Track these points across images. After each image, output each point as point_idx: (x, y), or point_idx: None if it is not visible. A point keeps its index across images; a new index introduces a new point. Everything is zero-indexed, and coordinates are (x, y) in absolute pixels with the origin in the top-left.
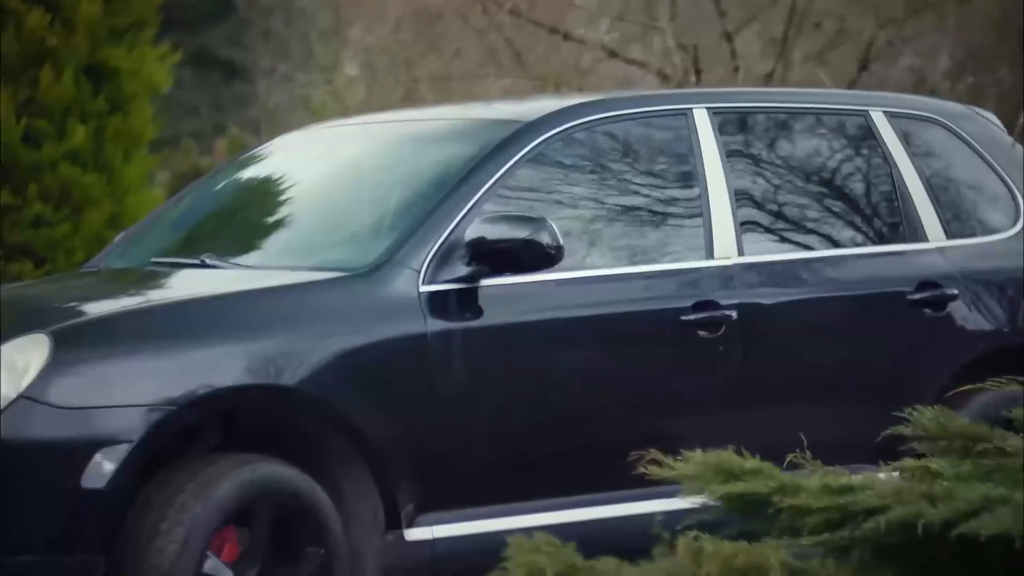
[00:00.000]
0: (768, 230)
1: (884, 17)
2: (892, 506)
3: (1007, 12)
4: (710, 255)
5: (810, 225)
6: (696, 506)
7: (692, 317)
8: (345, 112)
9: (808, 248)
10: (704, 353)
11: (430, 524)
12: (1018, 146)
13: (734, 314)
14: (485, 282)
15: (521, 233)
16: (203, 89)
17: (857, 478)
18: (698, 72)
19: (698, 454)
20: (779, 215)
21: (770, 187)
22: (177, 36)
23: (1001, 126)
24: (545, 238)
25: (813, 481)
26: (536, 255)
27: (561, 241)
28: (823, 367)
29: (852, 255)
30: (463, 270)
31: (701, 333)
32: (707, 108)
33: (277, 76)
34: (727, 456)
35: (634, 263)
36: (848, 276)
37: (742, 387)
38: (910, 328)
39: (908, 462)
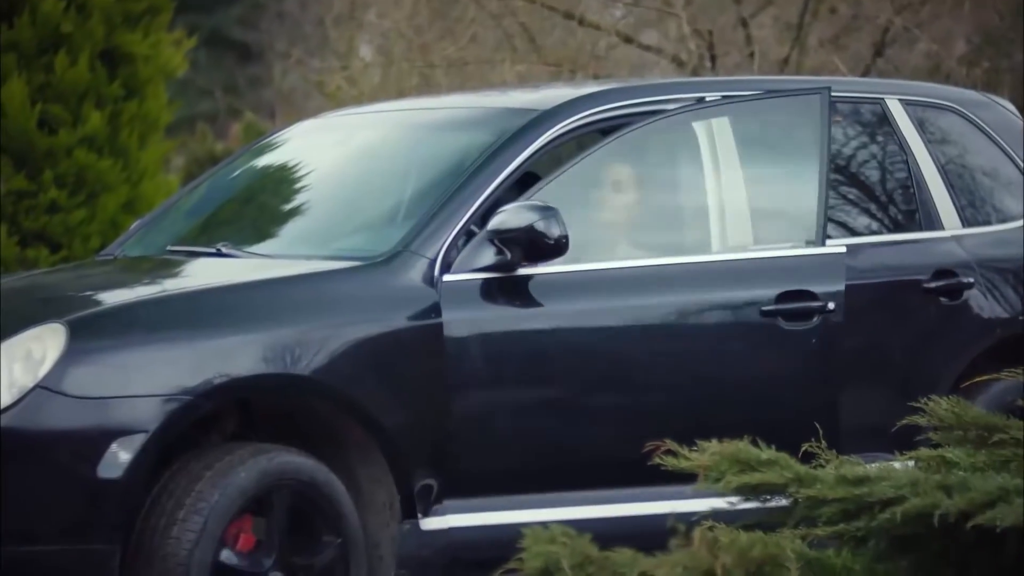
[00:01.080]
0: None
1: (900, 2)
2: (908, 497)
3: None
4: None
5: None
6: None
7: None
8: (360, 97)
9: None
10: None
11: (446, 514)
12: None
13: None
14: (502, 272)
15: (525, 221)
16: (217, 71)
17: (873, 468)
18: (713, 58)
19: (714, 444)
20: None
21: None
22: (191, 18)
23: (1017, 113)
24: (550, 228)
25: (829, 472)
26: (541, 245)
27: (565, 231)
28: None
29: (868, 243)
30: (481, 259)
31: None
32: (721, 95)
33: (292, 59)
34: (743, 447)
35: (650, 255)
36: (864, 264)
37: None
38: (926, 316)
39: (924, 452)
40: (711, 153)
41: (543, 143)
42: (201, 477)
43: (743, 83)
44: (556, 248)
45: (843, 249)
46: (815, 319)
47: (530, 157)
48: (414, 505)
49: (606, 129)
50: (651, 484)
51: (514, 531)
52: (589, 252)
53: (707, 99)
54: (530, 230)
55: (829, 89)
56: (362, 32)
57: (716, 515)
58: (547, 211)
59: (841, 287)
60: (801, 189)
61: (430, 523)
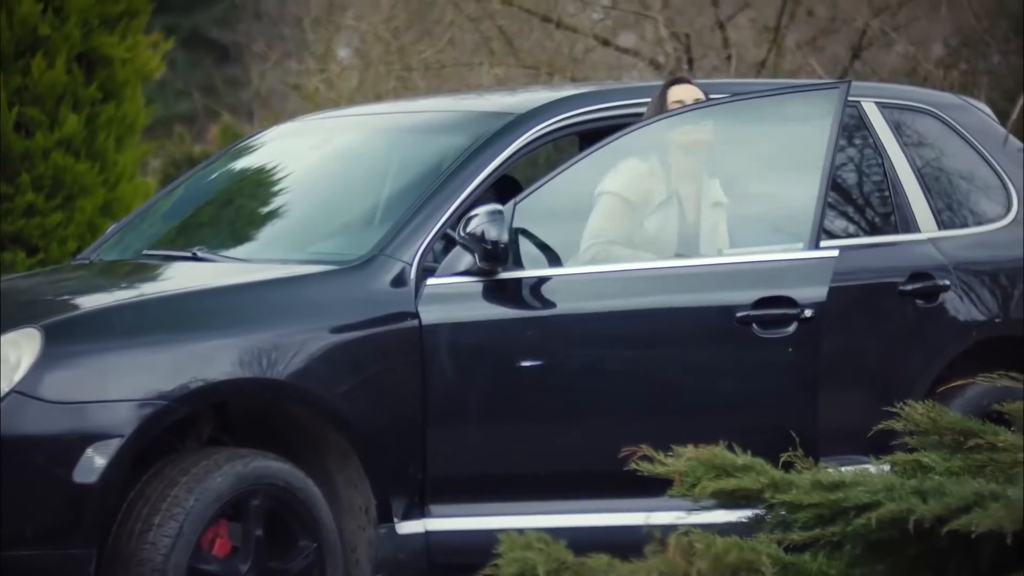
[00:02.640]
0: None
1: (877, 5)
2: (883, 502)
3: None
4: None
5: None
6: (696, 521)
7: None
8: (338, 99)
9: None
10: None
11: (422, 518)
12: (1011, 137)
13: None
14: (478, 276)
15: (481, 228)
16: (195, 72)
17: (848, 474)
18: (690, 61)
19: (689, 450)
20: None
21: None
22: (170, 18)
23: (993, 116)
24: (491, 233)
25: (804, 477)
26: (484, 250)
27: (505, 237)
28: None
29: (844, 246)
30: (458, 263)
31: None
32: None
33: (269, 62)
34: (719, 452)
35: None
36: (840, 267)
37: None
38: (902, 319)
39: (900, 456)
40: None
41: (519, 146)
42: (177, 482)
43: (721, 86)
44: (495, 254)
45: (835, 253)
46: (792, 326)
47: (506, 160)
48: (390, 509)
49: (583, 133)
50: (629, 493)
51: (491, 536)
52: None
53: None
54: (481, 236)
55: (849, 84)
56: (340, 34)
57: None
58: (493, 215)
59: (824, 293)
60: (797, 191)
61: (407, 527)
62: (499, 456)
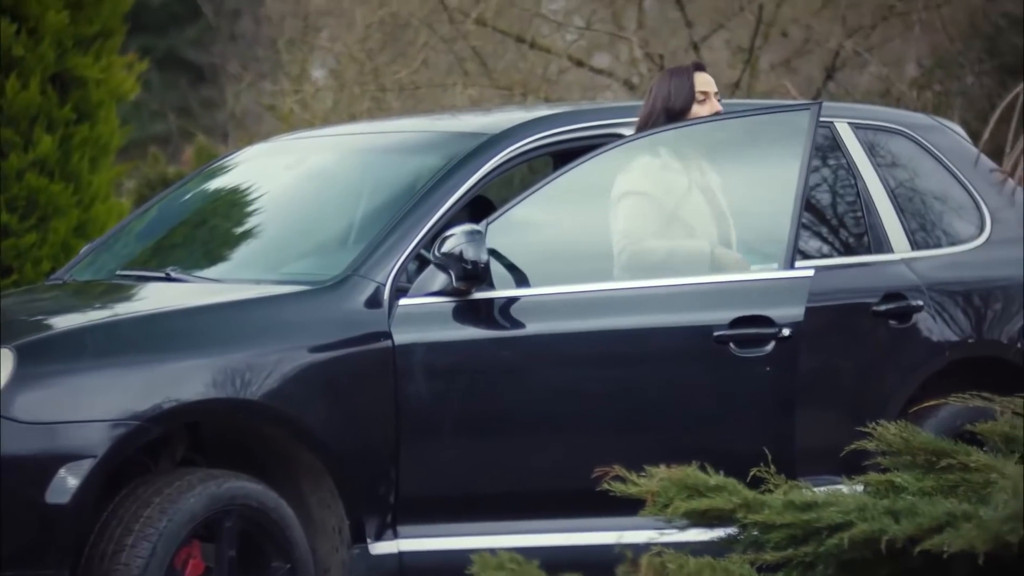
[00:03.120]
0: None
1: (851, 26)
2: (856, 522)
3: (973, 20)
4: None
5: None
6: (669, 540)
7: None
8: (312, 120)
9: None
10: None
11: (395, 538)
12: (983, 157)
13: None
14: (452, 296)
15: (457, 248)
16: (171, 93)
17: (821, 494)
18: None
19: (662, 470)
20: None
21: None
22: (146, 39)
23: (966, 137)
24: (469, 253)
25: (777, 497)
26: (462, 270)
27: (484, 257)
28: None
29: (818, 266)
30: (432, 284)
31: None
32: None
33: (244, 82)
34: (691, 472)
35: (596, 279)
36: (814, 288)
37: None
38: (876, 340)
39: (872, 477)
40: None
41: (493, 167)
42: (150, 503)
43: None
44: (475, 274)
45: (810, 272)
46: (770, 345)
47: (480, 181)
48: (364, 530)
49: (556, 153)
50: (602, 513)
51: (464, 556)
52: (549, 276)
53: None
54: (459, 256)
55: (820, 105)
56: (314, 55)
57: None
58: (472, 235)
59: (801, 312)
60: (772, 211)
61: (380, 547)
62: (472, 476)
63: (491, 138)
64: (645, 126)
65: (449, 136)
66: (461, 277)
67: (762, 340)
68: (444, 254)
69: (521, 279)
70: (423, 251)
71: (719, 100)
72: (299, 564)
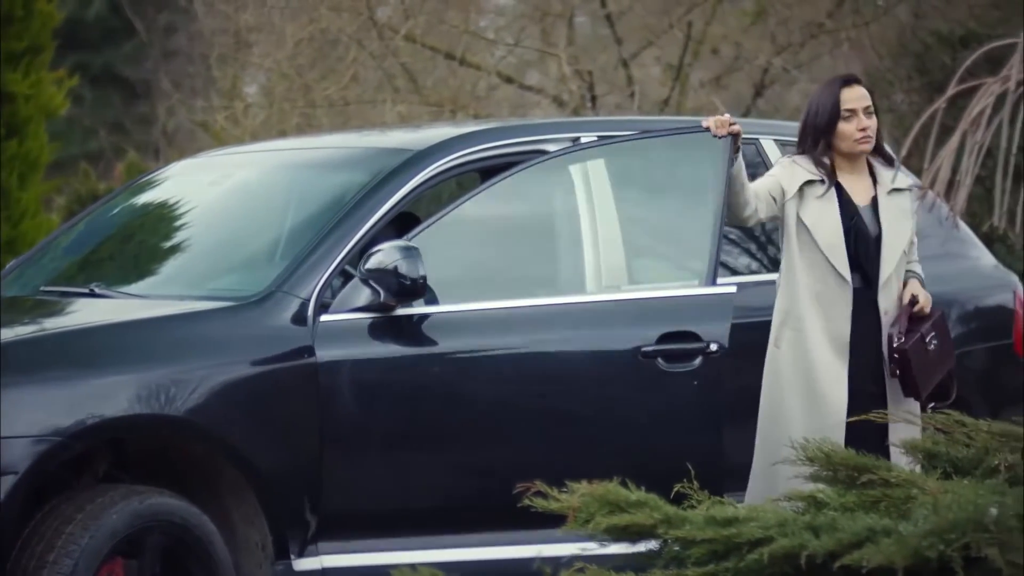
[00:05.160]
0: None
1: (780, 43)
2: (776, 537)
3: (902, 38)
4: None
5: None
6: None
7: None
8: (243, 136)
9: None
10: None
11: (319, 554)
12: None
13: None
14: (376, 312)
15: (389, 263)
16: (106, 110)
17: (742, 509)
18: (593, 98)
19: (583, 485)
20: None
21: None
22: (81, 56)
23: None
24: (409, 269)
25: (698, 513)
26: (399, 286)
27: (420, 274)
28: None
29: (745, 283)
30: (355, 300)
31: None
32: (597, 136)
33: (176, 98)
34: (612, 488)
35: (521, 295)
36: (744, 303)
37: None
38: None
39: (795, 492)
40: (587, 194)
41: (419, 183)
42: (72, 519)
43: (621, 123)
44: (414, 289)
45: (733, 289)
46: (697, 360)
47: (405, 197)
48: (287, 546)
49: (483, 169)
50: (525, 527)
51: (387, 572)
52: (468, 293)
53: (582, 139)
54: (394, 271)
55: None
56: (246, 72)
57: (588, 556)
58: (409, 251)
59: (726, 328)
60: (693, 228)
61: (303, 564)
62: (395, 492)
63: (416, 154)
64: (800, 142)
65: (375, 152)
66: (397, 293)
67: (689, 356)
68: (376, 270)
69: (446, 295)
70: (348, 267)
71: (870, 115)
72: None
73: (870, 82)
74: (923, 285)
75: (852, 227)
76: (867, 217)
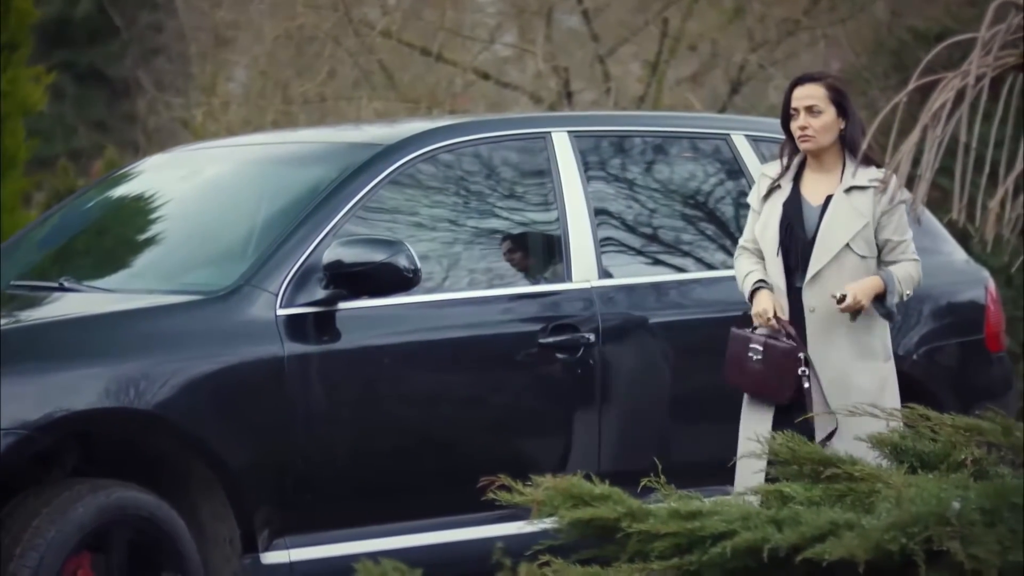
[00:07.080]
0: (630, 252)
1: (757, 40)
2: (739, 531)
3: (878, 35)
4: (569, 278)
5: (673, 248)
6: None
7: (550, 340)
8: (220, 133)
9: (671, 270)
10: (562, 376)
11: (287, 548)
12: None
13: (592, 337)
14: (343, 305)
15: (378, 256)
16: (91, 107)
17: (707, 503)
18: (570, 95)
19: (548, 479)
20: (641, 238)
21: (632, 210)
22: (68, 53)
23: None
24: (402, 261)
25: (662, 507)
26: (393, 278)
27: (418, 264)
28: (689, 388)
29: (716, 277)
30: (321, 293)
31: (559, 356)
32: (568, 132)
33: (156, 95)
34: (576, 481)
35: (493, 286)
36: (713, 297)
37: (600, 410)
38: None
39: (763, 486)
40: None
41: (386, 177)
42: (38, 513)
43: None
44: (406, 282)
45: (589, 284)
46: (580, 351)
47: (373, 190)
48: (255, 539)
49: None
50: (479, 510)
51: (353, 563)
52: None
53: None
54: (378, 264)
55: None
56: (225, 69)
57: (552, 549)
58: (395, 245)
59: (597, 320)
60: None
61: (271, 557)
62: (359, 483)
63: (385, 149)
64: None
65: (344, 147)
66: (389, 284)
67: (574, 347)
68: (355, 263)
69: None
70: (320, 260)
71: (815, 114)
72: (190, 574)
73: (847, 79)
74: (888, 283)
75: (787, 227)
76: (811, 217)
